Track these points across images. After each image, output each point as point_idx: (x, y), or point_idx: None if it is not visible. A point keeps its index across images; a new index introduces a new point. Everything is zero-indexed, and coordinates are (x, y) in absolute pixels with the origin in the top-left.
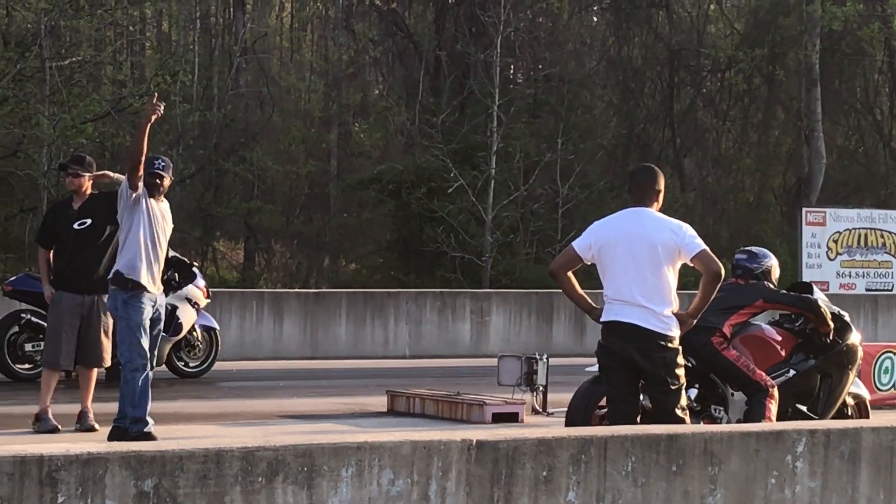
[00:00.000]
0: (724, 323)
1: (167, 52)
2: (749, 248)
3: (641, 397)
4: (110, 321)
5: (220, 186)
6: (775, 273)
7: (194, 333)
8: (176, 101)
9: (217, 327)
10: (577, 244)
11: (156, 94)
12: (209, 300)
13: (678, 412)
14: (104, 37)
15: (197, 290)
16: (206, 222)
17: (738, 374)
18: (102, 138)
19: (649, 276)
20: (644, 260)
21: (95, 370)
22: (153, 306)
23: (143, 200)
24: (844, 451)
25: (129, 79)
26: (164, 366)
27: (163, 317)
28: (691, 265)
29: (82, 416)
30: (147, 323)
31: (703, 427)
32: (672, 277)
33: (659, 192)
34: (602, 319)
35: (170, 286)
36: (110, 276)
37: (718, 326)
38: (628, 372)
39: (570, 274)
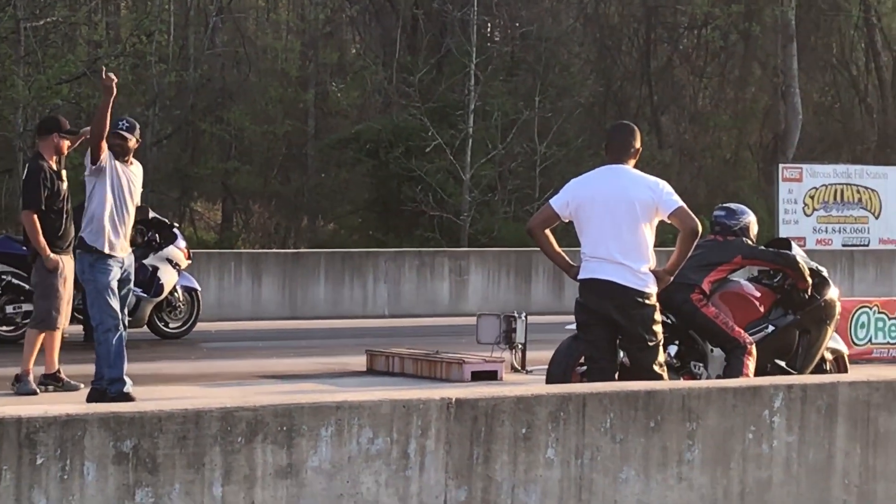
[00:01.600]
0: (704, 280)
1: (142, 13)
2: (727, 204)
3: (620, 354)
4: None
5: (197, 147)
6: (753, 229)
7: (175, 294)
8: (152, 61)
9: (198, 288)
10: (555, 202)
11: (104, 69)
12: (190, 261)
13: (656, 368)
14: None
15: (178, 251)
16: (183, 183)
17: (717, 330)
18: (78, 99)
19: (626, 233)
20: (621, 217)
21: None
22: (121, 268)
23: (108, 167)
24: (821, 405)
25: (105, 39)
26: (145, 327)
27: (132, 277)
28: (669, 222)
29: (55, 376)
30: (115, 284)
31: (680, 383)
32: (649, 234)
33: (636, 149)
34: (579, 277)
35: (151, 247)
36: (77, 241)
37: (698, 283)
38: (606, 329)
39: (547, 232)
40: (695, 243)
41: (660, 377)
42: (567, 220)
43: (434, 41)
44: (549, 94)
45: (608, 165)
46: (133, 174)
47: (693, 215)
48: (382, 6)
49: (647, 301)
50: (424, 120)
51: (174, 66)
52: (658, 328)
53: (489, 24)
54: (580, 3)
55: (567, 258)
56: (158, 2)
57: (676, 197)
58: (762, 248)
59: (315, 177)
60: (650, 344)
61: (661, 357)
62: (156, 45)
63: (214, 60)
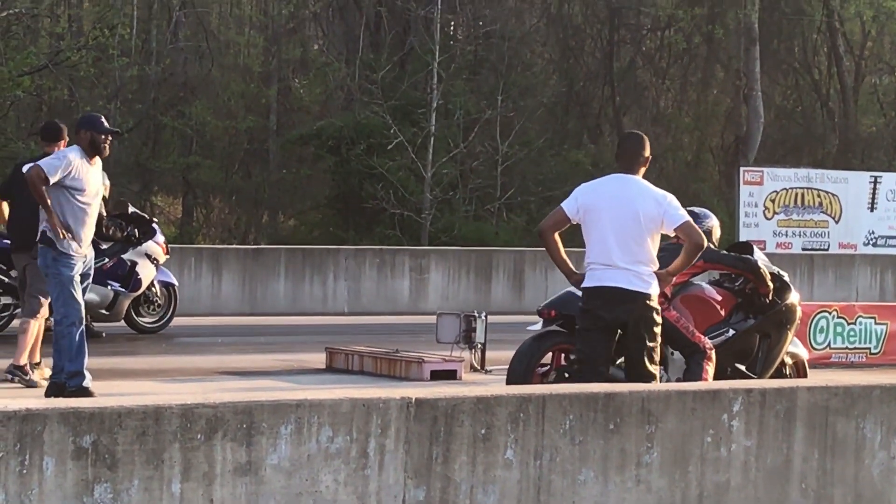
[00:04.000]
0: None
1: (105, 5)
2: (691, 208)
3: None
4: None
5: (159, 141)
6: (716, 233)
7: (153, 289)
8: (114, 54)
9: (176, 283)
10: (566, 206)
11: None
12: (168, 256)
13: (652, 368)
14: None
15: (156, 245)
16: (144, 177)
17: (677, 335)
18: (39, 91)
19: (631, 243)
20: (628, 227)
21: None
22: (83, 262)
23: (71, 170)
24: (780, 410)
25: (67, 32)
26: (122, 321)
27: (92, 272)
28: (673, 235)
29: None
30: (78, 278)
31: (640, 386)
32: (653, 245)
33: (646, 158)
34: (585, 285)
35: (130, 242)
36: (38, 236)
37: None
38: (608, 334)
39: (556, 236)
40: (698, 256)
41: (653, 375)
42: (576, 223)
43: (397, 39)
44: (512, 94)
45: (618, 174)
46: (96, 173)
47: (699, 230)
48: (346, 3)
49: (650, 303)
50: (386, 117)
51: (136, 59)
52: (658, 329)
53: (452, 23)
54: (544, 2)
55: (571, 265)
56: None
57: (682, 211)
58: (724, 252)
59: (276, 173)
60: (649, 344)
61: (658, 357)
62: (118, 39)
63: (177, 54)
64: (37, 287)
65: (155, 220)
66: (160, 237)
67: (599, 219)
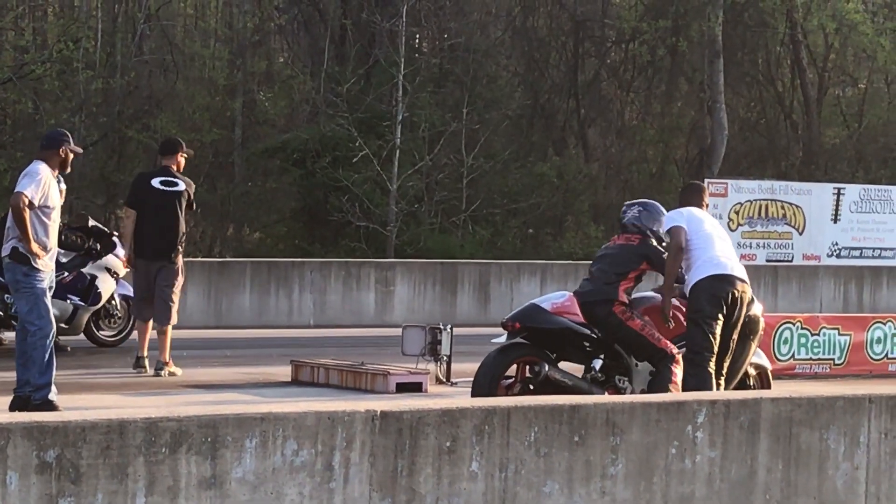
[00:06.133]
0: (619, 291)
1: (70, 18)
2: (647, 201)
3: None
4: None
5: (124, 154)
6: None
7: (113, 302)
8: (79, 67)
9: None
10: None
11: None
12: (129, 269)
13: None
14: (6, 2)
15: (117, 259)
16: (109, 190)
17: (643, 343)
18: (3, 104)
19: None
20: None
21: None
22: (49, 277)
23: (45, 188)
24: (744, 421)
25: (31, 44)
26: (82, 335)
27: (53, 285)
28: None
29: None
30: (48, 292)
31: (604, 398)
32: None
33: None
34: (719, 272)
35: (90, 255)
36: (8, 252)
37: (615, 297)
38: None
39: None
40: None
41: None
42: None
43: (362, 52)
44: (477, 106)
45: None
46: (56, 186)
47: None
48: (311, 16)
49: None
50: (352, 130)
51: (101, 72)
52: None
53: (418, 36)
54: (509, 15)
55: None
56: (86, 8)
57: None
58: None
59: (242, 186)
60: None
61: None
62: (83, 52)
63: (142, 67)
64: (168, 293)
65: (115, 233)
66: (120, 250)
67: (717, 232)
